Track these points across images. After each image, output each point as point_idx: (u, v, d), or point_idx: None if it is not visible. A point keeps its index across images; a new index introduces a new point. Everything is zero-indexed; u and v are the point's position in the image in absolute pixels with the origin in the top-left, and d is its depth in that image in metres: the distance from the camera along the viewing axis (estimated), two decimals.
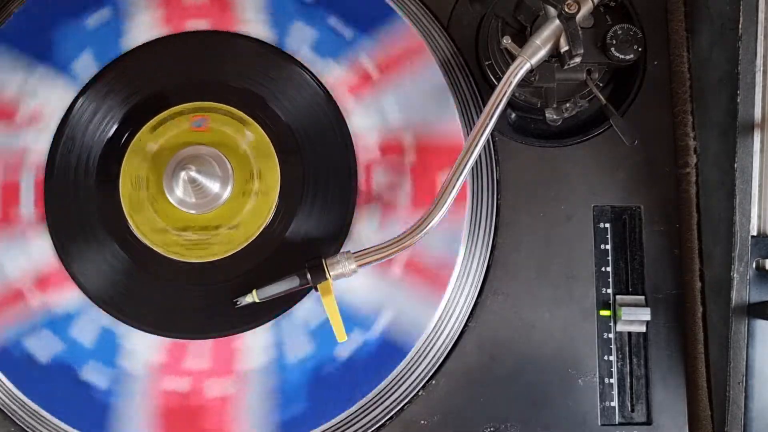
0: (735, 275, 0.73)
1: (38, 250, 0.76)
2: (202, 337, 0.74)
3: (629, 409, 0.78)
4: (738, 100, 0.72)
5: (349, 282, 0.73)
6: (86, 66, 0.79)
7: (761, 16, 0.73)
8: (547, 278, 0.79)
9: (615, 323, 0.78)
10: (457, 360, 0.77)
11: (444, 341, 0.77)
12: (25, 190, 0.77)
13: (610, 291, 0.79)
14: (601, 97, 0.77)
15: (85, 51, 0.79)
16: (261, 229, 0.76)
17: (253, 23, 0.80)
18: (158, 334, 0.74)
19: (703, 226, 0.80)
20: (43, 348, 0.74)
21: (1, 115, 0.78)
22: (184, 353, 0.74)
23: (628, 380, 0.78)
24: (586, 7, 0.71)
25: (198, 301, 0.75)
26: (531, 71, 0.72)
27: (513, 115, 0.83)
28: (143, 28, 0.80)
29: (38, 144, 0.78)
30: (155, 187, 0.76)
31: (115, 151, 0.77)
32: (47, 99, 0.78)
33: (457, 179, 0.69)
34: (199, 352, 0.74)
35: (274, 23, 0.80)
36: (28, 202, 0.77)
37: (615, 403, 0.77)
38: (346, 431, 0.74)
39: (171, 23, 0.80)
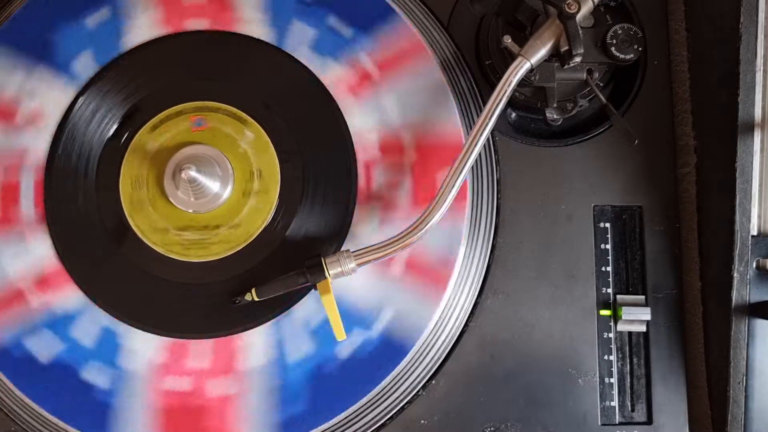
0: (735, 275, 0.73)
1: (38, 250, 0.76)
2: (203, 337, 0.74)
3: (629, 408, 0.78)
4: (738, 100, 0.72)
5: (349, 281, 0.73)
6: (86, 66, 0.79)
7: (761, 16, 0.73)
8: (547, 278, 0.79)
9: (615, 323, 0.78)
10: (457, 360, 0.77)
11: (444, 341, 0.77)
12: (25, 190, 0.77)
13: (610, 291, 0.79)
14: (601, 96, 0.77)
15: (84, 51, 0.79)
16: (261, 228, 0.76)
17: (253, 23, 0.80)
18: (159, 334, 0.74)
19: (703, 226, 0.80)
20: (44, 348, 0.74)
21: (1, 115, 0.78)
22: (184, 353, 0.74)
23: (629, 380, 0.78)
24: (587, 7, 0.71)
25: (198, 301, 0.75)
26: (531, 71, 0.72)
27: (513, 115, 0.83)
28: (143, 27, 0.80)
29: (38, 144, 0.77)
30: (155, 187, 0.76)
31: (115, 150, 0.77)
32: (47, 99, 0.78)
33: (457, 178, 0.69)
34: (200, 351, 0.74)
35: (273, 22, 0.80)
36: (28, 202, 0.77)
37: (615, 403, 0.77)
38: (346, 431, 0.74)
39: (170, 23, 0.80)
